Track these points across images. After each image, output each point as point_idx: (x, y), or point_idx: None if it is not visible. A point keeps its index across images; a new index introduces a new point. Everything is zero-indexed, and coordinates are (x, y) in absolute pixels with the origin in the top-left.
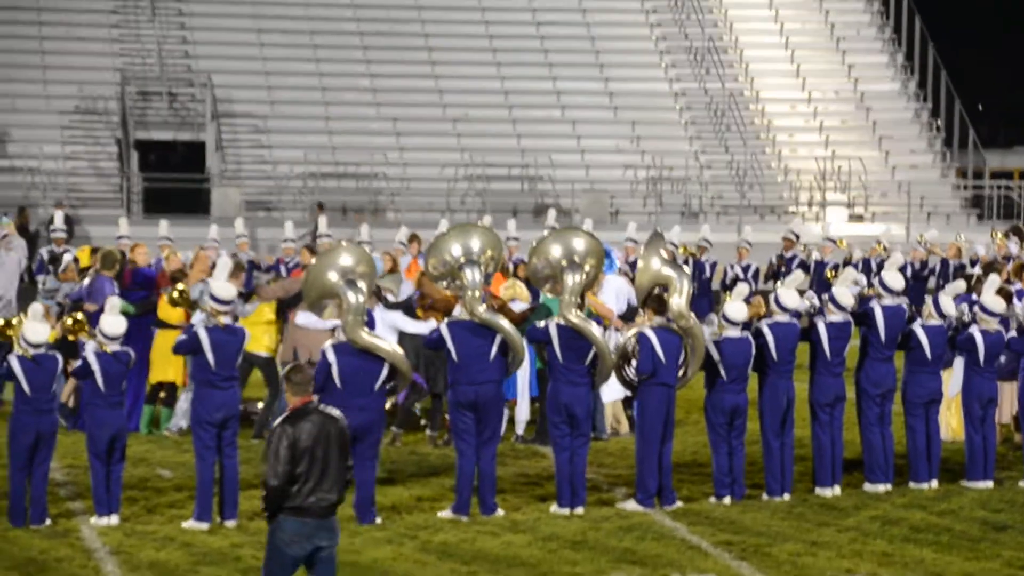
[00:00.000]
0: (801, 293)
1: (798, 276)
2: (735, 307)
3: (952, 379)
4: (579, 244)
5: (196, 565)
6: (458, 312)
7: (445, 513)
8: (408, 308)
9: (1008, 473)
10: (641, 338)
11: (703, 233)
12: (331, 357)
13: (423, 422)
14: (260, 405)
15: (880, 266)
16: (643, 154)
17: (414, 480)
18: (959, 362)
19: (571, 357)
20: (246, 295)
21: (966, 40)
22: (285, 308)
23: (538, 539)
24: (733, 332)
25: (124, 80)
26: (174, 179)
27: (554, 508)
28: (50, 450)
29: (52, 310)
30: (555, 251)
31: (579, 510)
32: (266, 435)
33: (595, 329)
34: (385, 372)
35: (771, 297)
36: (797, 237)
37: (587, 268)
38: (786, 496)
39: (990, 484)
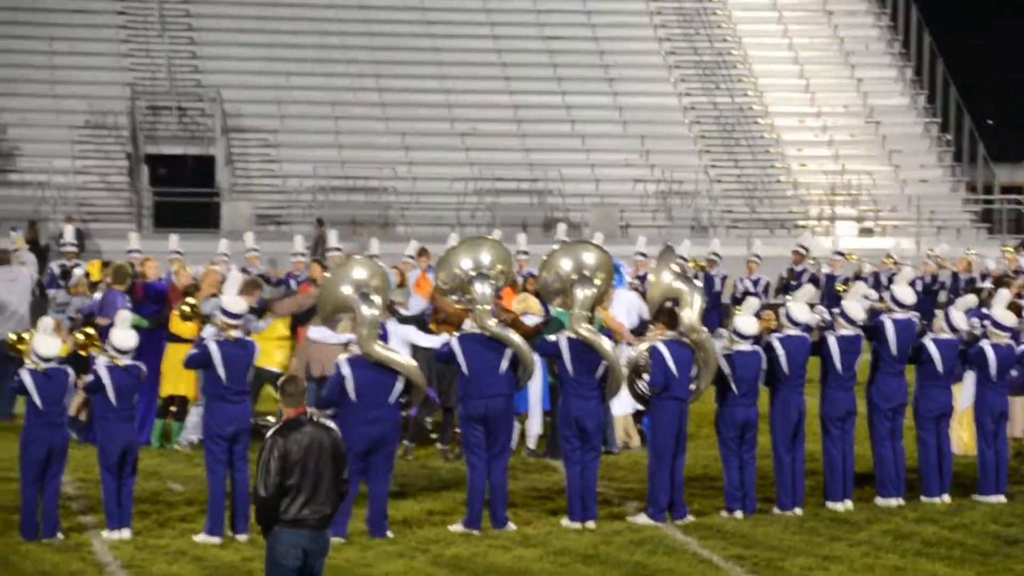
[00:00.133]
0: (811, 307)
1: (808, 290)
2: (745, 321)
3: (963, 393)
4: (589, 258)
5: None
6: (468, 326)
7: (456, 527)
8: (421, 322)
9: (1020, 487)
10: (653, 352)
11: (713, 247)
12: (346, 370)
13: (433, 435)
14: (271, 419)
15: (890, 280)
16: (653, 168)
17: (425, 494)
18: (970, 376)
19: (582, 371)
20: (259, 311)
21: (975, 55)
22: (298, 323)
23: (549, 553)
24: (744, 346)
25: (134, 94)
26: (184, 193)
27: (565, 522)
28: (62, 464)
29: (63, 324)
30: (565, 265)
31: (590, 524)
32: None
33: (605, 342)
34: (400, 385)
35: (781, 311)
36: (807, 251)
37: (597, 282)
38: (798, 510)
39: (1002, 498)
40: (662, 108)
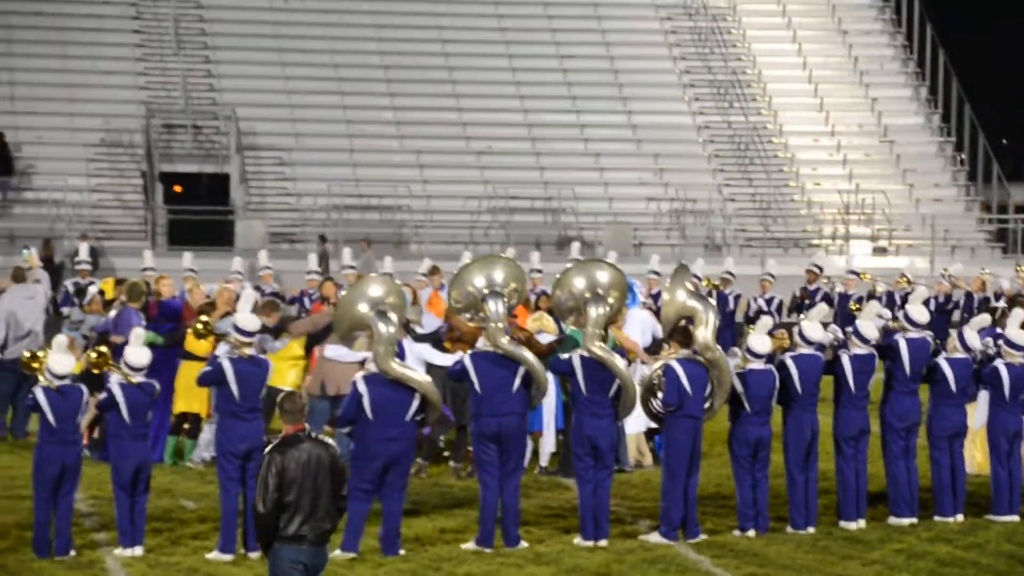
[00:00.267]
0: (825, 326)
1: (822, 309)
2: (759, 340)
3: (977, 413)
4: (603, 276)
5: None
6: (481, 344)
7: (469, 545)
8: (436, 340)
9: None
10: (667, 370)
11: (726, 266)
12: (362, 388)
13: (446, 453)
14: None
15: (904, 299)
16: (666, 187)
17: (438, 512)
18: (984, 396)
19: (594, 389)
20: (275, 332)
21: (990, 74)
22: (313, 343)
23: (562, 571)
24: (757, 364)
25: (149, 113)
26: (198, 211)
27: (578, 540)
28: (75, 481)
29: (78, 342)
30: (579, 283)
31: (603, 542)
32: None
33: (618, 361)
34: (416, 403)
35: (795, 330)
36: (821, 270)
37: (611, 300)
38: (810, 529)
39: (1016, 518)
40: (676, 127)
